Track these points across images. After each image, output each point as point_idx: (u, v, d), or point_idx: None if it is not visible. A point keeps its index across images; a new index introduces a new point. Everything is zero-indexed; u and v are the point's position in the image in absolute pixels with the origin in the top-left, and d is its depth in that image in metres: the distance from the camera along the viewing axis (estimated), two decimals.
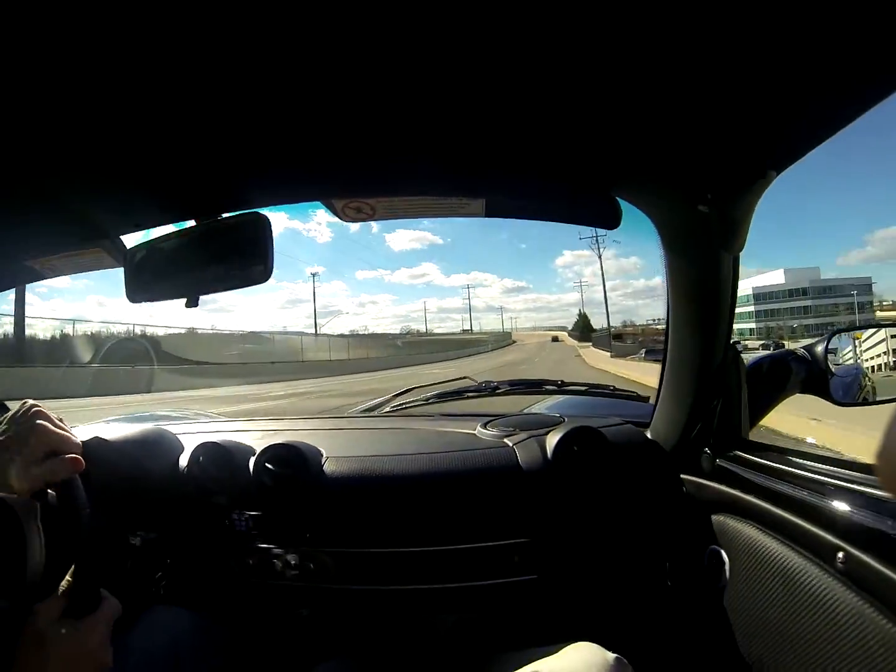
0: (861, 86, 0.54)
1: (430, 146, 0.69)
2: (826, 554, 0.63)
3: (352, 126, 0.63)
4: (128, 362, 17.30)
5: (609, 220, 0.87)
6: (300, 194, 0.81)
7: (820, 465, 0.74)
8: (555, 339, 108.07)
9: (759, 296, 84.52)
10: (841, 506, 0.63)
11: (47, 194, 0.77)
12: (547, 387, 1.61)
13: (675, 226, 0.85)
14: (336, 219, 0.86)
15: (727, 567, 0.84)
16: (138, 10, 0.41)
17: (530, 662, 0.79)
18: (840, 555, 0.60)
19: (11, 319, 16.33)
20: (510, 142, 0.68)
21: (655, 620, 1.05)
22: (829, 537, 0.63)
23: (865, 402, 1.00)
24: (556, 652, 0.78)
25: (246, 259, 0.76)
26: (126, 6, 0.41)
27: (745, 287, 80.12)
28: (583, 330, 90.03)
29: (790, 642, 0.67)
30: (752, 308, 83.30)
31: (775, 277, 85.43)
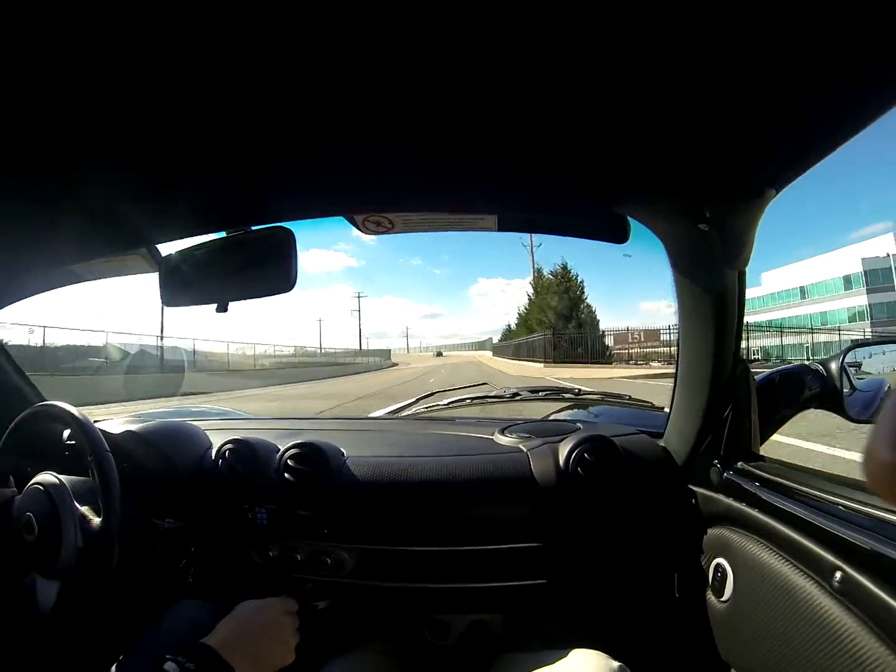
0: (860, 101, 0.54)
1: (445, 166, 0.73)
2: (825, 573, 0.63)
3: (372, 146, 0.68)
4: None
5: (617, 235, 0.89)
6: (323, 209, 0.86)
7: (826, 483, 0.74)
8: (439, 353, 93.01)
9: (876, 274, 38.08)
10: (843, 525, 0.63)
11: (94, 203, 0.82)
12: (565, 394, 1.63)
13: (679, 242, 0.86)
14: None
15: (730, 580, 0.84)
16: (180, 34, 0.46)
17: (535, 665, 0.80)
18: (838, 574, 0.61)
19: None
20: (519, 161, 0.72)
21: (662, 630, 1.06)
22: (829, 556, 0.63)
23: None
24: (562, 657, 0.79)
25: (271, 269, 0.80)
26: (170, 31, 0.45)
27: (845, 262, 39.51)
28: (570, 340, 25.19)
29: (788, 659, 0.68)
30: (864, 298, 38.64)
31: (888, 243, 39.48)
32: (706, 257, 0.83)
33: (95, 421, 1.00)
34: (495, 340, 60.82)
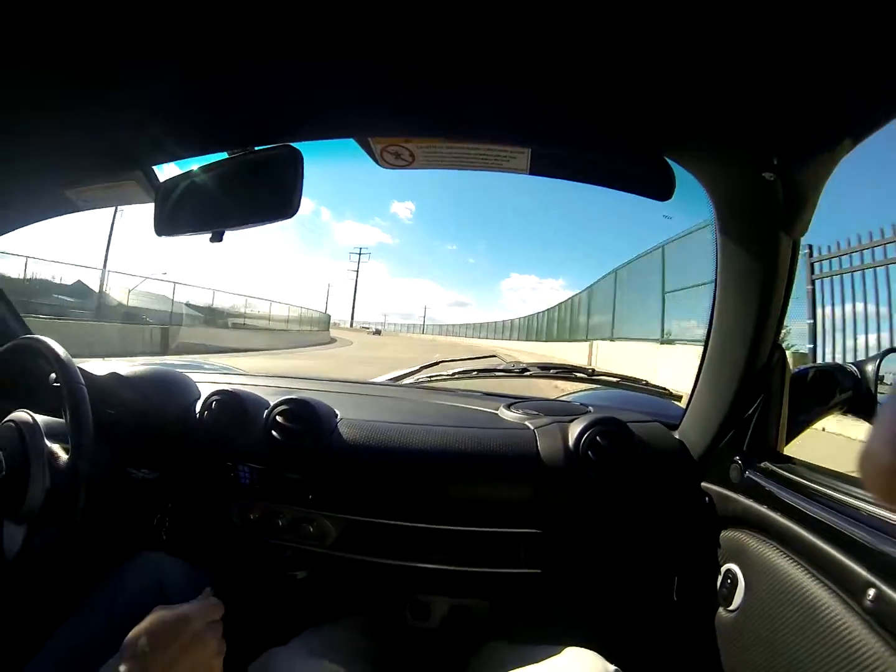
0: None
1: (476, 83, 0.64)
2: (855, 589, 0.57)
3: (392, 54, 0.59)
4: None
5: (660, 189, 0.79)
6: (334, 129, 0.77)
7: (859, 490, 0.66)
8: (376, 332, 79.15)
9: None
10: (880, 539, 0.56)
11: (86, 119, 0.77)
12: (577, 373, 1.55)
13: (733, 196, 0.77)
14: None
15: (741, 588, 0.78)
16: None
17: (522, 659, 0.76)
18: (871, 592, 0.54)
19: None
20: (558, 85, 0.63)
21: (660, 636, 1.00)
22: (861, 571, 0.56)
23: None
24: (555, 653, 0.74)
25: (273, 193, 0.75)
26: None
27: None
28: None
29: None
30: None
31: None
32: (761, 217, 0.74)
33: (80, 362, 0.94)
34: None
